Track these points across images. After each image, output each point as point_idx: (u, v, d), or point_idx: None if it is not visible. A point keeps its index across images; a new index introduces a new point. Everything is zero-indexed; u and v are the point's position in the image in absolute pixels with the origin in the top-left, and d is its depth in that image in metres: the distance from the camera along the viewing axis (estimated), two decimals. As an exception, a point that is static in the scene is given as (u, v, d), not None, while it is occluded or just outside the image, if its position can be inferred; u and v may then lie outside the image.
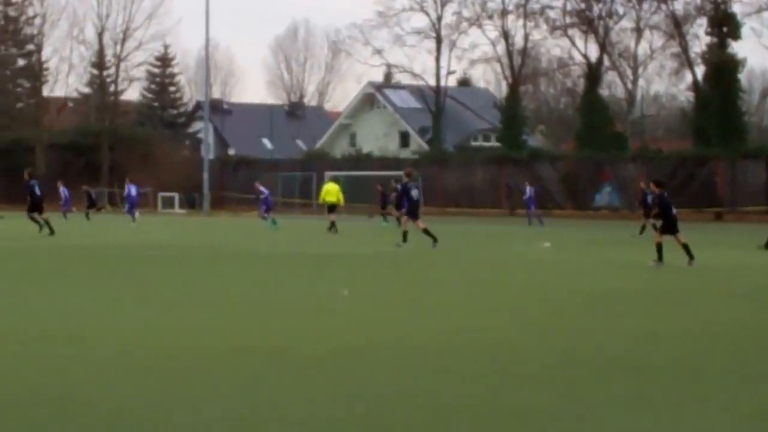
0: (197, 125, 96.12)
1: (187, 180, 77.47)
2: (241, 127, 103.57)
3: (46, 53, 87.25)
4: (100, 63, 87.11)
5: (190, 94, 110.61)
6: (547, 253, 29.11)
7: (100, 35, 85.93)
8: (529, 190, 53.79)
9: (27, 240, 34.30)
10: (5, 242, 33.13)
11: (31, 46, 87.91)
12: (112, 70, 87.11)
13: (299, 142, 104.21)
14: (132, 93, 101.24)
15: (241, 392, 8.90)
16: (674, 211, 24.12)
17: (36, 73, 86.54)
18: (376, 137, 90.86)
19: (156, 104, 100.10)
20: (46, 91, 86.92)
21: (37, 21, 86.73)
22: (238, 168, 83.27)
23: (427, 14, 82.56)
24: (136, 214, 51.63)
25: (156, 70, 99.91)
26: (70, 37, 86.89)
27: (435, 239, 30.05)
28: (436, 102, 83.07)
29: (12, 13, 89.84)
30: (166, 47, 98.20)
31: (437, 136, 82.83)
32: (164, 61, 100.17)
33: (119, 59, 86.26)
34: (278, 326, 13.33)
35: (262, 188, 49.11)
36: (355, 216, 58.41)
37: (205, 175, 73.70)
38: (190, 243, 34.24)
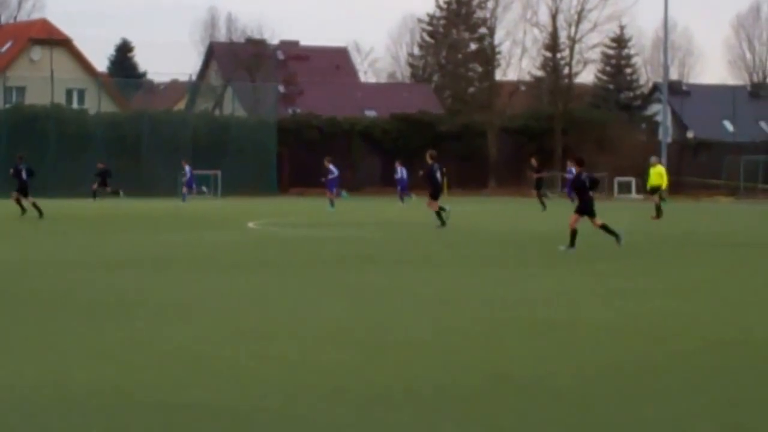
0: (654, 108, 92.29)
1: (644, 164, 73.72)
2: (700, 109, 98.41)
3: (498, 37, 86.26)
4: (553, 45, 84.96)
5: (646, 75, 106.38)
6: None
7: (553, 17, 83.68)
8: None
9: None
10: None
11: (483, 30, 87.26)
12: (566, 53, 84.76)
13: (762, 125, 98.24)
14: (586, 75, 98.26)
15: None
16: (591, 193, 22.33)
17: (488, 57, 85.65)
18: None
19: (611, 86, 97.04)
20: (498, 75, 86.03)
21: (490, 4, 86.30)
22: (698, 151, 79.13)
23: None
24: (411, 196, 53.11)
25: (611, 52, 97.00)
26: (523, 19, 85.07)
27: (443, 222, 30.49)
28: None
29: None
30: (621, 28, 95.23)
31: None
32: (620, 42, 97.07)
33: (573, 41, 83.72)
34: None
35: (331, 167, 48.37)
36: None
37: (663, 160, 70.19)
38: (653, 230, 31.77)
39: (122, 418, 7.62)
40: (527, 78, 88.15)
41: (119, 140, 66.88)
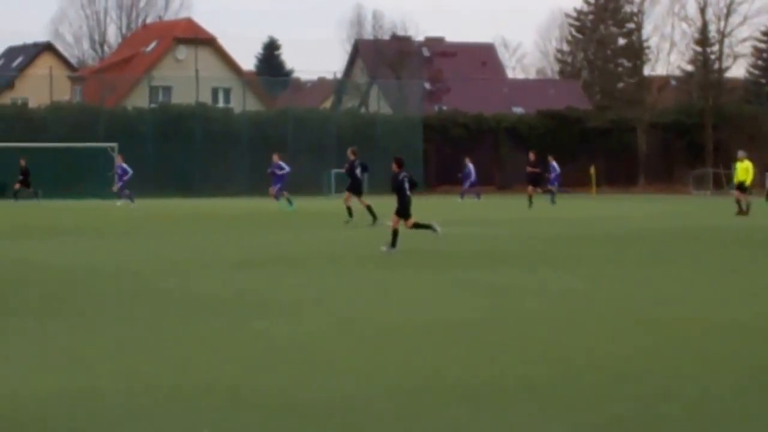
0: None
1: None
2: None
3: (646, 31, 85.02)
4: (702, 40, 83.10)
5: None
6: None
7: (702, 11, 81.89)
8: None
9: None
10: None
11: (631, 25, 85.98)
12: (715, 47, 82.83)
13: None
14: (737, 70, 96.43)
15: None
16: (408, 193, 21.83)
17: (637, 51, 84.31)
18: None
19: (763, 80, 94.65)
20: (647, 70, 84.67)
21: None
22: None
23: None
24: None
25: (762, 45, 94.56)
26: (671, 13, 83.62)
27: (374, 217, 30.52)
28: None
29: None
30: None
31: None
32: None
33: (723, 35, 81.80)
34: None
35: (281, 163, 42.87)
36: None
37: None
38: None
39: (234, 418, 7.46)
40: (676, 72, 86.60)
41: (264, 139, 67.30)
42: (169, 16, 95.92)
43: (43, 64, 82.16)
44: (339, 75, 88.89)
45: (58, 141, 60.82)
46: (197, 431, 7.23)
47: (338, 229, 29.88)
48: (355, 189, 31.90)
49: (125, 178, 49.56)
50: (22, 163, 53.29)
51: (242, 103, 74.24)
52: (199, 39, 79.59)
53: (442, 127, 75.06)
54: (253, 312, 12.82)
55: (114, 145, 61.50)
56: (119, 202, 46.18)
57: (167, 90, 75.98)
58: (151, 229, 30.58)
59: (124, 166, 49.64)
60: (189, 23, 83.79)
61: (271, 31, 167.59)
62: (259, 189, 62.91)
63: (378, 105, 79.82)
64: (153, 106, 70.64)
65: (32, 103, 71.02)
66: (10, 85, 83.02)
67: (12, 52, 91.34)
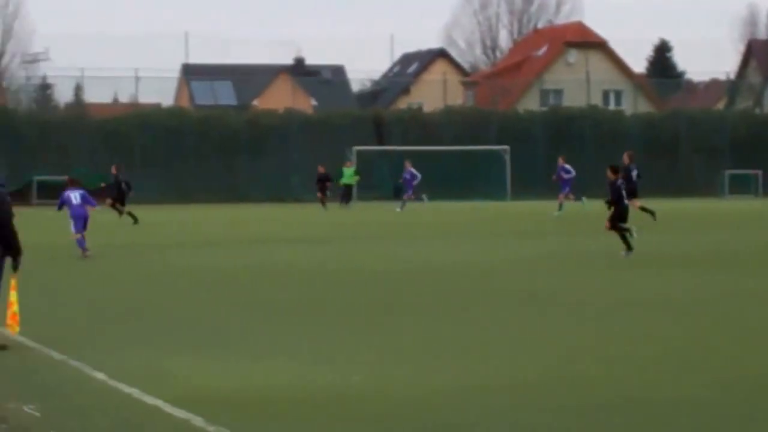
0: None
1: None
2: None
3: None
4: None
5: None
6: None
7: None
8: None
9: None
10: None
11: None
12: None
13: None
14: None
15: None
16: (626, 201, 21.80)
17: None
18: None
19: None
20: None
21: None
22: None
23: None
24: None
25: None
26: None
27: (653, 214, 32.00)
28: None
29: None
30: None
31: None
32: None
33: None
34: None
35: (567, 166, 41.94)
36: None
37: None
38: None
39: (577, 415, 7.49)
40: None
41: (654, 140, 66.49)
42: (560, 20, 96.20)
43: (437, 70, 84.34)
44: (732, 75, 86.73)
45: (452, 144, 62.32)
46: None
47: (730, 230, 29.31)
48: (630, 194, 31.04)
49: (414, 183, 49.17)
50: (321, 170, 51.76)
51: (633, 105, 73.71)
52: (590, 42, 79.50)
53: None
54: (624, 310, 12.85)
55: (506, 147, 62.46)
56: (398, 209, 45.67)
57: (558, 93, 76.41)
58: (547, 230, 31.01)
59: (413, 170, 49.46)
60: (579, 27, 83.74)
61: (662, 33, 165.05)
62: (650, 190, 62.43)
63: (773, 105, 77.47)
64: (544, 109, 71.24)
65: (426, 108, 73.00)
66: (405, 90, 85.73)
67: (407, 58, 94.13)
